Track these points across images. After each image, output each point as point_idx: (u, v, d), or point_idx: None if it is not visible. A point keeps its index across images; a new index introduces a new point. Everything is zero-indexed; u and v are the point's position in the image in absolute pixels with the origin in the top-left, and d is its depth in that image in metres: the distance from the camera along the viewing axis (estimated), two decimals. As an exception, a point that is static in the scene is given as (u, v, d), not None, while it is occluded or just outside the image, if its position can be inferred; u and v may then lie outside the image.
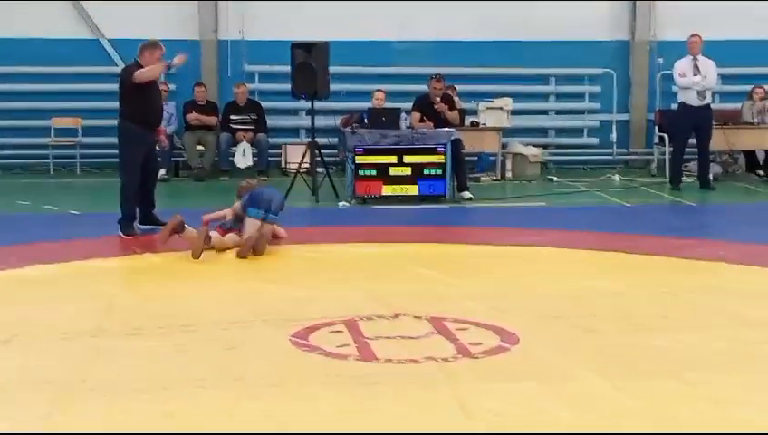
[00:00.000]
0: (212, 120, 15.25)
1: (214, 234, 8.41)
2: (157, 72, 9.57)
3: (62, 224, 10.34)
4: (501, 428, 4.21)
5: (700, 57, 13.62)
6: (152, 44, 9.59)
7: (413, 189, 12.19)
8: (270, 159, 15.56)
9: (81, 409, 4.44)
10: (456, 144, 12.68)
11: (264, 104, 15.59)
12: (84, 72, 15.87)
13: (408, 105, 13.65)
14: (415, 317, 6.15)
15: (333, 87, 13.17)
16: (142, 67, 9.44)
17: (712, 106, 13.99)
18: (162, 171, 14.65)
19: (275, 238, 8.68)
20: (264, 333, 5.84)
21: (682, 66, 13.68)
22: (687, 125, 13.66)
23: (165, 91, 15.17)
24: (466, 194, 12.62)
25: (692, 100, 13.55)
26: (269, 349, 5.48)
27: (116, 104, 16.35)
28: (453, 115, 13.36)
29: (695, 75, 13.51)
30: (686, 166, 14.49)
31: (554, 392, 4.66)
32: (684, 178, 13.92)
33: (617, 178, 14.94)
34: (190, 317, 6.14)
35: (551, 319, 6.14)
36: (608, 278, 7.38)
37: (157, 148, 10.15)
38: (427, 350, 5.38)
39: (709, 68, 13.60)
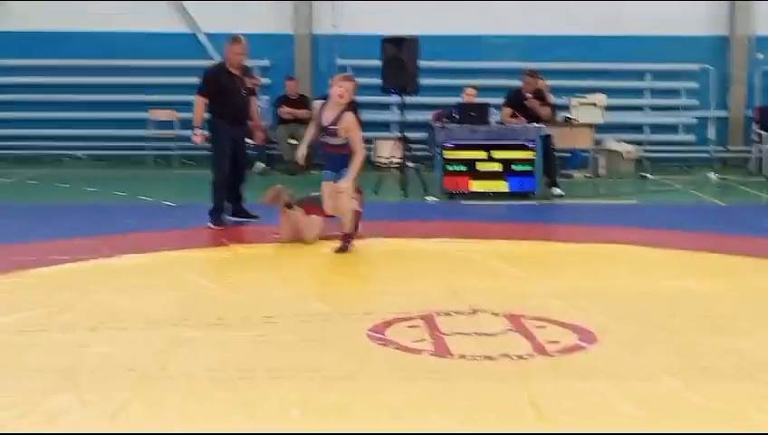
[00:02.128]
0: (304, 113, 15.39)
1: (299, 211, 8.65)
2: (196, 112, 9.93)
3: (155, 214, 10.61)
4: (571, 427, 4.19)
5: None
6: (230, 39, 9.98)
7: (502, 185, 12.15)
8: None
9: (160, 396, 4.56)
10: (547, 140, 12.60)
11: (356, 98, 15.65)
12: (181, 66, 16.20)
13: (499, 101, 13.61)
14: (493, 314, 6.15)
15: (424, 82, 13.20)
16: (225, 65, 9.94)
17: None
18: (261, 165, 14.91)
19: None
20: (343, 326, 5.91)
21: None
22: None
23: (257, 85, 15.40)
24: (557, 190, 12.53)
25: None
26: (345, 342, 5.54)
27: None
28: (544, 111, 13.28)
29: None
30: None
31: (628, 392, 4.61)
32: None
33: (713, 176, 14.67)
34: (272, 309, 6.24)
35: (630, 318, 6.08)
36: (692, 278, 7.26)
37: (251, 142, 10.33)
38: (502, 347, 5.37)
39: None
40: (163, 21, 16.40)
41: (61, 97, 16.49)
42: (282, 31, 16.40)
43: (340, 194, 8.28)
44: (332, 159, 8.43)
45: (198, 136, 9.82)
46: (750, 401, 4.48)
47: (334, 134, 8.29)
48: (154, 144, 16.25)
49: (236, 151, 9.91)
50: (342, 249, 8.29)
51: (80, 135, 16.54)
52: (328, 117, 8.30)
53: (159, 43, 16.25)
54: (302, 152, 8.71)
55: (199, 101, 9.83)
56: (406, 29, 13.57)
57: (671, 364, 5.07)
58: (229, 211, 9.90)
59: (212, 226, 9.55)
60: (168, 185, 13.76)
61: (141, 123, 16.24)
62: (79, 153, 16.58)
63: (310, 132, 8.64)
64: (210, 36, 16.31)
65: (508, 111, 13.23)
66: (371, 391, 4.65)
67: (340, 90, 8.26)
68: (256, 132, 10.52)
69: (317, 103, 8.69)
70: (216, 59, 16.27)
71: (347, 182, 8.27)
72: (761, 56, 15.73)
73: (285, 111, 15.37)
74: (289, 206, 8.67)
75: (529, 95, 13.13)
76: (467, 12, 15.98)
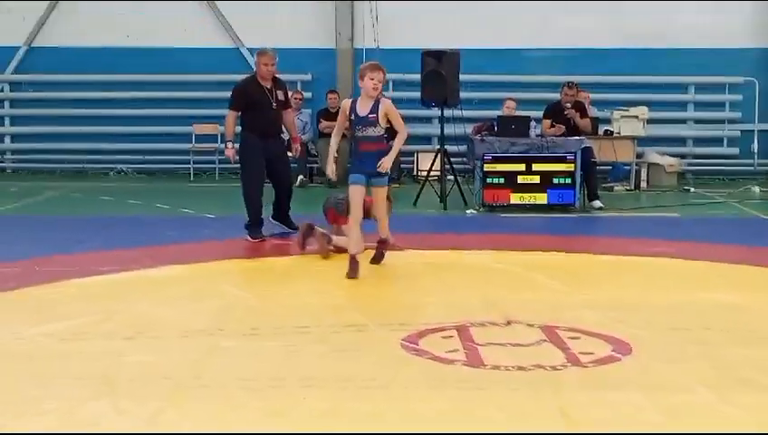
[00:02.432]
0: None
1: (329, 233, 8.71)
2: (227, 128, 9.89)
3: (196, 226, 10.71)
4: (601, 438, 4.19)
5: None
6: (258, 53, 9.89)
7: (541, 198, 12.13)
8: (402, 166, 15.70)
9: (193, 405, 4.62)
10: (587, 152, 12.55)
11: (398, 112, 15.70)
12: (224, 80, 16.28)
13: (539, 114, 13.59)
14: (527, 325, 6.15)
15: (464, 95, 13.22)
16: (256, 78, 9.79)
17: None
18: (301, 177, 15.00)
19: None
20: (377, 336, 5.94)
21: None
22: None
23: (299, 99, 15.54)
24: (597, 203, 12.48)
25: None
26: (379, 352, 5.56)
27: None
28: (584, 122, 13.25)
29: None
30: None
31: (660, 404, 4.60)
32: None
33: (756, 189, 14.51)
34: (306, 319, 6.29)
35: (666, 330, 6.05)
36: (729, 291, 7.20)
37: (291, 155, 10.42)
38: (536, 358, 5.37)
39: None
40: (207, 36, 16.58)
41: (106, 111, 16.74)
42: (324, 45, 16.50)
43: (379, 198, 8.06)
44: (365, 158, 7.85)
45: (230, 150, 9.75)
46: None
47: (374, 123, 7.81)
48: (197, 158, 16.42)
49: (274, 166, 9.85)
50: (378, 258, 8.28)
51: (125, 149, 16.77)
52: (363, 109, 7.85)
53: (204, 58, 16.42)
54: (331, 168, 8.20)
55: (230, 116, 9.81)
56: (447, 42, 13.59)
57: (706, 376, 5.04)
58: (272, 214, 10.00)
59: (250, 238, 9.57)
60: (209, 197, 13.88)
61: (185, 137, 16.42)
62: (122, 167, 16.77)
63: (336, 139, 8.19)
64: (253, 51, 16.41)
65: (547, 122, 13.22)
66: (403, 400, 4.68)
67: (372, 82, 7.77)
68: (294, 145, 10.42)
69: (346, 102, 8.09)
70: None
71: (389, 160, 7.86)
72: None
73: (325, 124, 15.45)
74: (310, 231, 8.77)
75: (568, 105, 13.11)
76: (508, 25, 16.00)
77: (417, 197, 12.78)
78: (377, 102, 7.87)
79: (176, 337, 5.86)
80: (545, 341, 5.78)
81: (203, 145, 16.39)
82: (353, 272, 7.72)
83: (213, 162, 16.29)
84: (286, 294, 7.19)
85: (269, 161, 9.74)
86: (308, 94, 16.17)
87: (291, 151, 10.48)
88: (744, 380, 5.01)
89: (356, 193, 7.91)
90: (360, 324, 6.20)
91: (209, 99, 16.36)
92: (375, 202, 8.10)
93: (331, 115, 15.53)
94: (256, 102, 9.64)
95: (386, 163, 7.88)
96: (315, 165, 15.78)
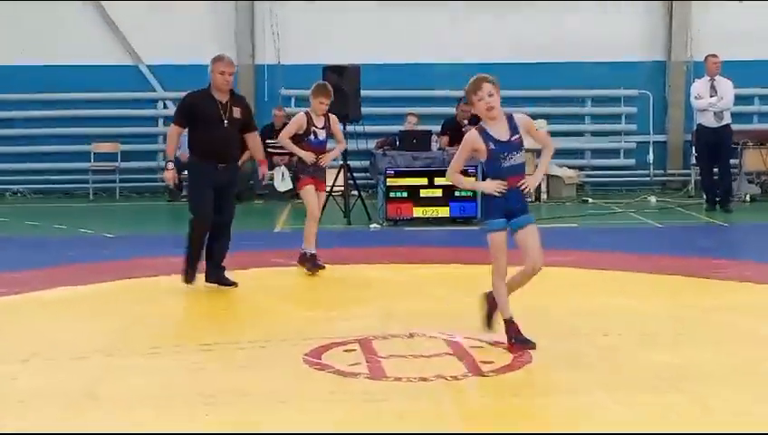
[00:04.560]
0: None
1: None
2: (168, 146, 8.28)
3: (95, 246, 10.50)
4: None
5: (718, 78, 13.37)
6: (214, 59, 8.20)
7: (444, 211, 12.22)
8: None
9: (85, 425, 4.53)
10: (488, 166, 12.69)
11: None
12: (123, 98, 16.16)
13: (440, 128, 13.74)
14: (430, 337, 6.19)
15: (366, 110, 13.26)
16: (209, 90, 8.06)
17: (752, 126, 13.78)
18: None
19: None
20: (279, 351, 5.91)
21: (697, 88, 13.51)
22: (705, 147, 13.45)
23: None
24: (498, 215, 12.60)
25: (708, 121, 13.32)
26: (281, 367, 5.54)
27: (154, 128, 16.67)
28: (483, 137, 13.40)
29: (711, 97, 13.27)
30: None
31: (558, 407, 4.70)
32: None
33: (653, 199, 14.85)
34: (208, 336, 6.23)
35: (565, 336, 6.16)
36: (626, 297, 7.36)
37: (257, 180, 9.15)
38: (438, 368, 5.41)
39: (726, 89, 13.33)
40: (105, 53, 16.31)
41: (1, 132, 16.33)
42: (224, 62, 16.37)
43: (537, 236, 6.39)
44: (511, 195, 6.17)
45: (169, 172, 8.16)
46: (672, 411, 4.61)
47: (519, 147, 6.08)
48: (97, 177, 16.13)
49: (219, 200, 8.05)
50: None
51: (21, 169, 16.36)
52: (500, 132, 6.00)
53: (102, 76, 16.14)
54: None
55: (172, 131, 8.17)
56: (348, 58, 13.63)
57: (604, 380, 5.16)
58: (205, 273, 8.15)
59: (183, 281, 8.03)
60: (109, 217, 13.65)
61: (84, 156, 16.11)
62: (18, 187, 16.36)
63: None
64: (152, 68, 16.27)
65: (446, 139, 13.37)
66: (305, 413, 4.67)
67: (488, 100, 5.99)
68: (260, 168, 8.52)
69: (470, 136, 6.16)
70: (158, 90, 16.36)
71: (536, 179, 6.47)
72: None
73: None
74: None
75: (465, 122, 13.28)
76: (408, 40, 16.10)
77: (321, 212, 12.74)
78: (511, 119, 6.14)
79: (72, 358, 5.74)
80: (448, 352, 5.82)
81: (102, 164, 16.11)
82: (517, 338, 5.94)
83: (113, 181, 16.02)
84: (187, 312, 7.12)
85: (215, 192, 8.03)
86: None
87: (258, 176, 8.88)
88: (636, 382, 5.15)
89: (503, 245, 6.25)
90: (262, 340, 6.16)
91: (108, 117, 16.12)
92: (529, 245, 6.24)
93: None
94: (204, 118, 7.96)
95: (532, 182, 6.25)
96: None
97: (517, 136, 6.08)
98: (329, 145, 9.09)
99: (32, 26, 16.12)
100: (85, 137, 16.15)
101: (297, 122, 8.90)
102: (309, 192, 8.83)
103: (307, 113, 8.84)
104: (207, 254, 8.10)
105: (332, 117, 8.99)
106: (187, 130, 8.16)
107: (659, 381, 5.13)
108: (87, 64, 16.05)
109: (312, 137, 8.80)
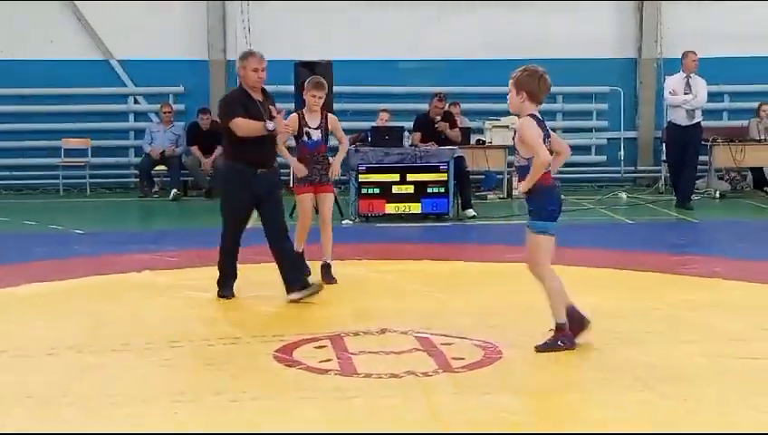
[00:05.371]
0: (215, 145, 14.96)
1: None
2: (253, 129, 7.30)
3: (64, 243, 10.42)
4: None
5: (693, 75, 13.39)
6: (243, 56, 7.66)
7: (416, 207, 12.23)
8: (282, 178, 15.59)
9: (56, 424, 4.50)
10: (459, 162, 12.73)
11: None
12: (94, 93, 16.03)
13: (412, 124, 13.75)
14: (401, 333, 6.20)
15: (338, 106, 13.25)
16: (244, 89, 7.52)
17: (721, 122, 13.84)
18: (174, 190, 14.78)
19: None
20: (250, 349, 5.90)
21: (673, 84, 13.48)
22: (676, 145, 13.46)
23: (169, 112, 15.34)
24: (470, 212, 12.65)
25: (680, 119, 13.30)
26: (252, 364, 5.54)
27: (125, 124, 16.54)
28: (454, 134, 13.46)
29: (686, 93, 13.30)
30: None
31: (529, 405, 4.71)
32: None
33: (623, 195, 14.94)
34: (179, 333, 6.20)
35: (537, 334, 6.14)
36: (595, 294, 7.36)
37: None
38: (408, 365, 5.43)
39: (700, 86, 13.33)
40: (76, 48, 16.19)
41: (-30, 126, 16.19)
42: (196, 57, 16.31)
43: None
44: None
45: (279, 115, 7.33)
46: (648, 412, 4.62)
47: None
48: (67, 172, 16.01)
49: (263, 206, 7.52)
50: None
51: (-10, 164, 16.23)
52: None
53: (72, 71, 16.02)
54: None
55: (238, 121, 7.25)
56: (320, 54, 13.60)
57: (573, 378, 5.18)
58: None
59: (218, 295, 7.50)
60: (79, 213, 13.56)
61: (54, 152, 15.98)
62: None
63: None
64: (123, 63, 16.17)
65: (418, 135, 13.39)
66: (276, 411, 4.67)
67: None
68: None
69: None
70: (129, 86, 16.25)
71: None
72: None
73: (195, 149, 15.13)
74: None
75: (438, 118, 13.29)
76: (380, 36, 16.09)
77: (293, 208, 12.70)
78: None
79: (42, 355, 5.70)
80: (418, 348, 5.83)
81: (72, 159, 15.98)
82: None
83: (83, 177, 15.91)
84: (158, 309, 7.07)
85: (258, 199, 7.49)
86: (181, 107, 15.93)
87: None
88: (607, 379, 5.16)
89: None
90: (232, 337, 6.15)
91: (78, 112, 16.00)
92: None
93: (201, 133, 15.19)
94: (251, 119, 7.29)
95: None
96: (189, 178, 15.57)
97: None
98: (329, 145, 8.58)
99: (1, 21, 15.98)
100: (55, 132, 16.01)
101: (289, 124, 8.27)
102: (302, 201, 8.47)
103: (299, 113, 8.53)
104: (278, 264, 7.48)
105: (330, 116, 8.42)
106: (224, 132, 7.46)
107: (630, 379, 5.14)
108: (57, 59, 15.91)
109: (305, 138, 8.24)
